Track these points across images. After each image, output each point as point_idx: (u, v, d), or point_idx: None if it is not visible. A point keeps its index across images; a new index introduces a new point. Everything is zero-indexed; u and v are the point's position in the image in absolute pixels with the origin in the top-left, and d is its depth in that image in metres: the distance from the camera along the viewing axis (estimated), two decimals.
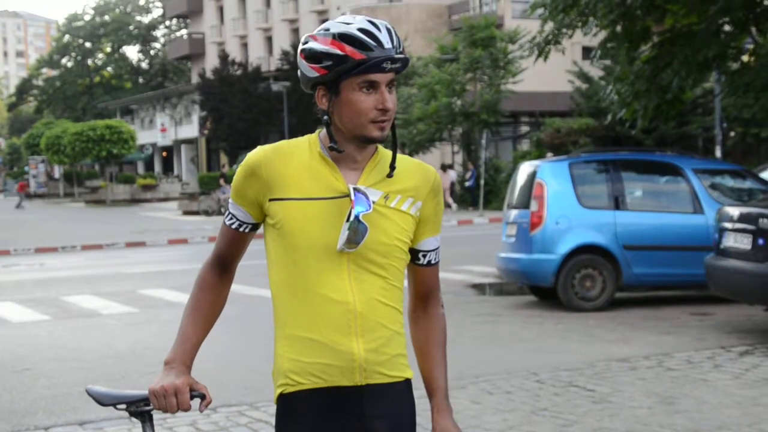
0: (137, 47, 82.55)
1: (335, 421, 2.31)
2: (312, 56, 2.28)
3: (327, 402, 2.31)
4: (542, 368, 7.75)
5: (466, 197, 34.18)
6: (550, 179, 11.09)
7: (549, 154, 26.67)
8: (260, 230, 2.46)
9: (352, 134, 2.31)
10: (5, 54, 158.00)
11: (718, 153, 23.87)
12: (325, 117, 2.33)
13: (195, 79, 59.86)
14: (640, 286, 11.44)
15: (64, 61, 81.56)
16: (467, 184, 34.00)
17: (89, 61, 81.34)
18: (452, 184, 34.38)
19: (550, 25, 14.95)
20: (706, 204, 11.00)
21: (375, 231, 2.31)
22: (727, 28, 14.14)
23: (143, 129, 65.01)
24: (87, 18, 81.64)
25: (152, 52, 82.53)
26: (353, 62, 2.24)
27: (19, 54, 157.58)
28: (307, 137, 2.40)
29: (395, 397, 2.36)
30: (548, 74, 34.55)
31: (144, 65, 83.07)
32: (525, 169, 11.79)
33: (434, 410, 2.45)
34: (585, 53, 37.32)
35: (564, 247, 10.91)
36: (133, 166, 66.91)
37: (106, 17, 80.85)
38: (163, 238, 25.20)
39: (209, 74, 50.57)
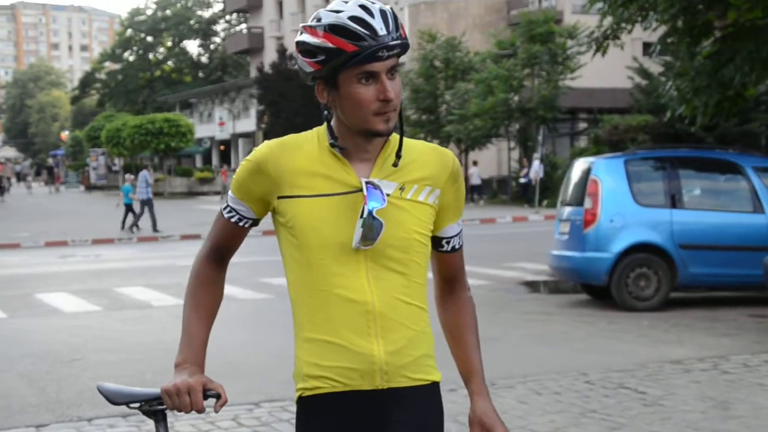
0: (197, 41, 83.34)
1: (356, 426, 2.21)
2: (306, 50, 2.17)
3: (347, 406, 2.20)
4: (592, 369, 7.58)
5: (521, 194, 33.89)
6: (605, 176, 10.87)
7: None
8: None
9: (356, 128, 2.19)
10: (70, 48, 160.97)
11: None
12: (325, 112, 2.22)
13: (254, 73, 60.23)
14: (697, 286, 11.17)
15: (126, 55, 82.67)
16: (522, 180, 33.70)
17: (150, 55, 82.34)
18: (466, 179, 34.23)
19: (609, 20, 14.68)
20: (767, 203, 10.69)
21: (392, 225, 2.19)
22: None
23: (202, 123, 65.59)
24: (149, 12, 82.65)
25: (212, 47, 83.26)
26: (346, 55, 2.11)
27: (84, 48, 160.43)
28: (315, 130, 2.28)
29: (420, 402, 2.25)
30: (607, 70, 34.05)
31: (204, 59, 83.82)
32: (579, 165, 11.57)
33: (473, 393, 2.34)
34: (645, 49, 36.71)
35: (618, 246, 10.68)
36: (191, 159, 67.58)
37: (168, 12, 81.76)
38: None
39: (267, 68, 50.82)
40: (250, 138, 61.18)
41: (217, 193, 49.34)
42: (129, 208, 25.68)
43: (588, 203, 10.82)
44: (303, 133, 2.29)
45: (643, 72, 33.23)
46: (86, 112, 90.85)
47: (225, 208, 2.33)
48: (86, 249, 21.83)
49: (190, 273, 2.41)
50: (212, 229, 2.38)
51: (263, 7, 66.68)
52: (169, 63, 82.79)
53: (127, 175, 28.27)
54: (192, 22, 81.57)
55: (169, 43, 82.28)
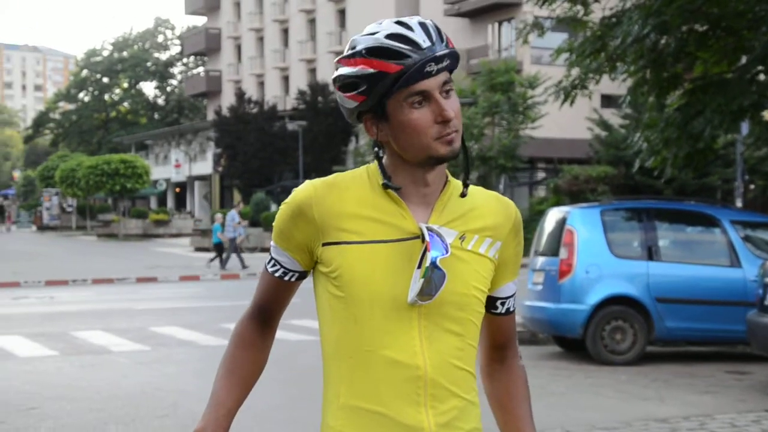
0: (154, 83, 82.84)
1: None
2: (345, 84, 1.92)
3: None
4: (577, 426, 7.31)
5: None
6: (580, 226, 10.70)
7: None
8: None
9: (417, 159, 1.93)
10: (24, 87, 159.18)
11: (738, 205, 23.45)
12: (376, 148, 1.97)
13: (211, 116, 59.92)
14: (673, 340, 11.00)
15: (81, 95, 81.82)
16: None
17: (106, 96, 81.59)
18: None
19: (576, 70, 14.68)
20: (744, 257, 10.58)
21: (450, 279, 1.93)
22: (762, 77, 13.83)
23: (157, 164, 64.94)
24: (105, 54, 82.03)
25: (169, 89, 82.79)
26: (391, 77, 1.87)
27: (38, 88, 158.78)
28: (365, 167, 2.02)
29: None
30: (567, 121, 34.30)
31: (160, 101, 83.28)
32: (554, 215, 11.40)
33: None
34: (604, 101, 37.09)
35: (594, 297, 10.47)
36: (145, 201, 66.76)
37: (125, 53, 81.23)
38: (174, 274, 24.84)
39: (225, 112, 50.53)
40: (207, 180, 60.65)
41: (172, 236, 48.61)
42: (218, 247, 26.40)
43: (563, 253, 10.63)
44: (350, 172, 2.03)
45: (602, 123, 33.50)
46: (39, 151, 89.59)
47: (269, 262, 2.05)
48: (39, 290, 21.18)
49: (231, 333, 2.12)
50: (257, 285, 2.09)
51: (222, 51, 66.55)
52: (125, 104, 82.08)
53: (217, 215, 28.99)
54: (149, 64, 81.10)
55: (126, 85, 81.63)
